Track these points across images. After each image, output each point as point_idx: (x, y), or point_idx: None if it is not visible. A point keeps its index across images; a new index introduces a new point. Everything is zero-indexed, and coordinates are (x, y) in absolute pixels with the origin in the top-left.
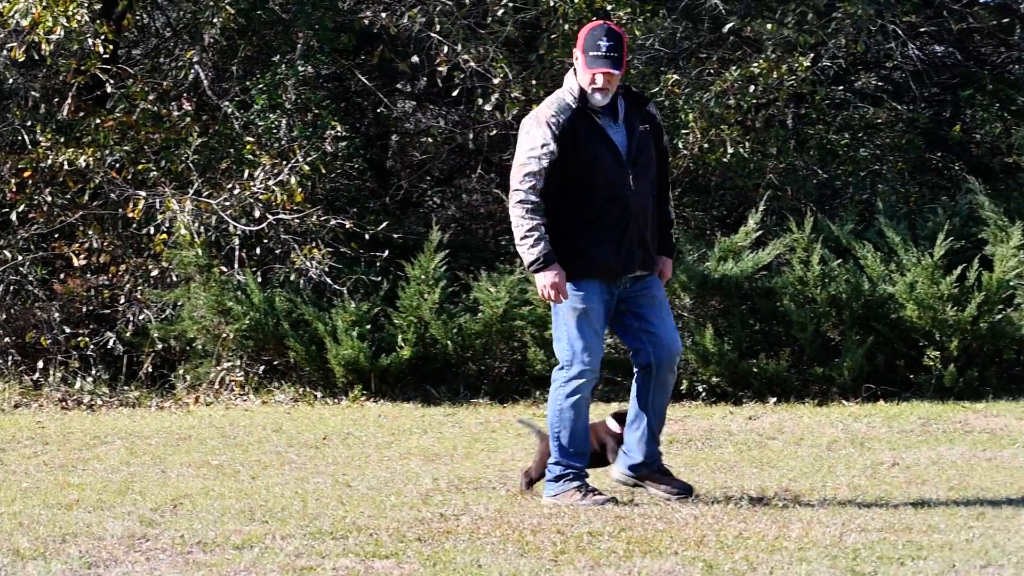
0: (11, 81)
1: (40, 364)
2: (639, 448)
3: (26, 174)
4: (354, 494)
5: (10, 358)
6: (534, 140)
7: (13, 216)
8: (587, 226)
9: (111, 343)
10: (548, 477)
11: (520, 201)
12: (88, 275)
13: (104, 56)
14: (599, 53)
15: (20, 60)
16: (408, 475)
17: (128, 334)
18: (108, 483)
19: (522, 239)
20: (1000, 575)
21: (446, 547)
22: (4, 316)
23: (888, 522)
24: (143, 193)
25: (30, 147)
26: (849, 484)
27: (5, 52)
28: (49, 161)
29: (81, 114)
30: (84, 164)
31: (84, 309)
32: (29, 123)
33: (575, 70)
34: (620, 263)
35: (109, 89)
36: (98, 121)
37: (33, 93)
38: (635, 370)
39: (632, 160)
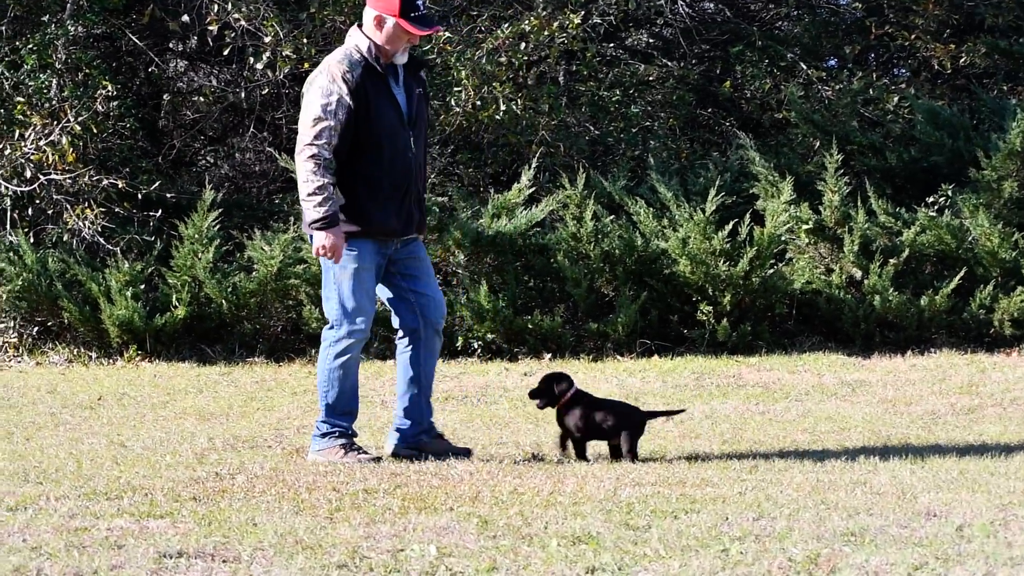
0: None
1: None
2: (413, 417)
3: None
4: (129, 454)
5: None
6: (329, 95)
7: None
8: (371, 186)
9: None
10: (315, 434)
11: (312, 156)
12: None
13: None
14: (418, 13)
15: None
16: (183, 435)
17: None
18: None
19: (309, 195)
20: (772, 527)
21: (221, 506)
22: None
23: (662, 476)
24: None
25: None
26: None
27: None
28: None
29: None
30: None
31: None
32: None
33: (364, 26)
34: (400, 224)
35: None
36: None
37: None
38: (399, 338)
39: (412, 122)
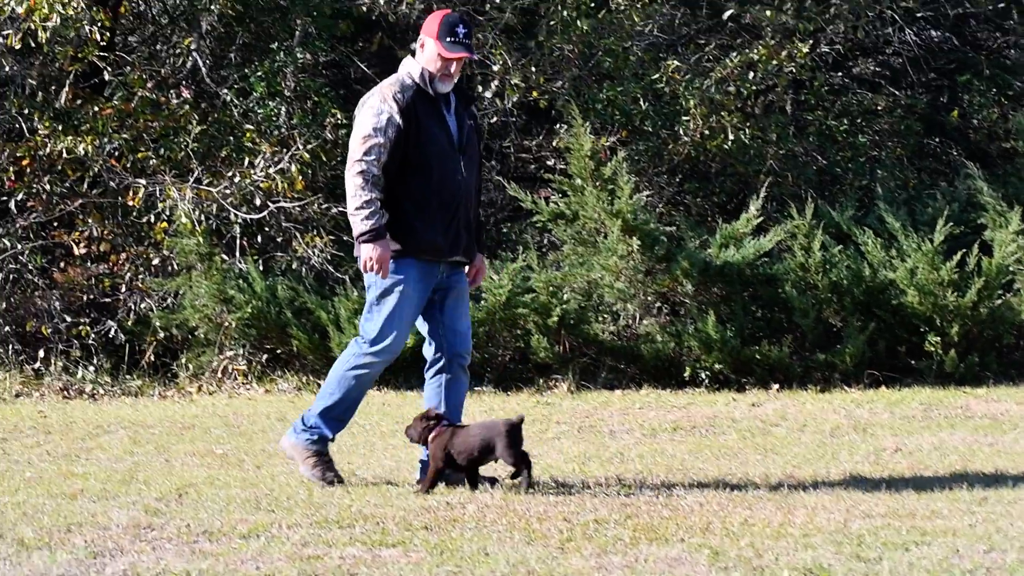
0: (8, 69)
1: (41, 353)
2: None
3: (24, 162)
4: (360, 483)
5: (10, 347)
6: (379, 114)
7: (12, 204)
8: (419, 204)
9: (112, 332)
10: (296, 423)
11: (361, 172)
12: (88, 264)
13: (101, 44)
14: (457, 39)
15: (16, 48)
16: (413, 463)
17: (129, 323)
18: (112, 472)
19: (357, 209)
20: (1003, 560)
21: (453, 535)
22: (4, 305)
23: (892, 508)
24: (143, 181)
25: (28, 135)
26: (852, 470)
27: (1, 39)
28: (48, 149)
29: (79, 102)
30: (83, 152)
31: (85, 298)
32: (27, 111)
33: (416, 55)
34: (446, 244)
35: (107, 77)
36: (96, 109)
37: (30, 81)
38: (426, 368)
39: (462, 148)
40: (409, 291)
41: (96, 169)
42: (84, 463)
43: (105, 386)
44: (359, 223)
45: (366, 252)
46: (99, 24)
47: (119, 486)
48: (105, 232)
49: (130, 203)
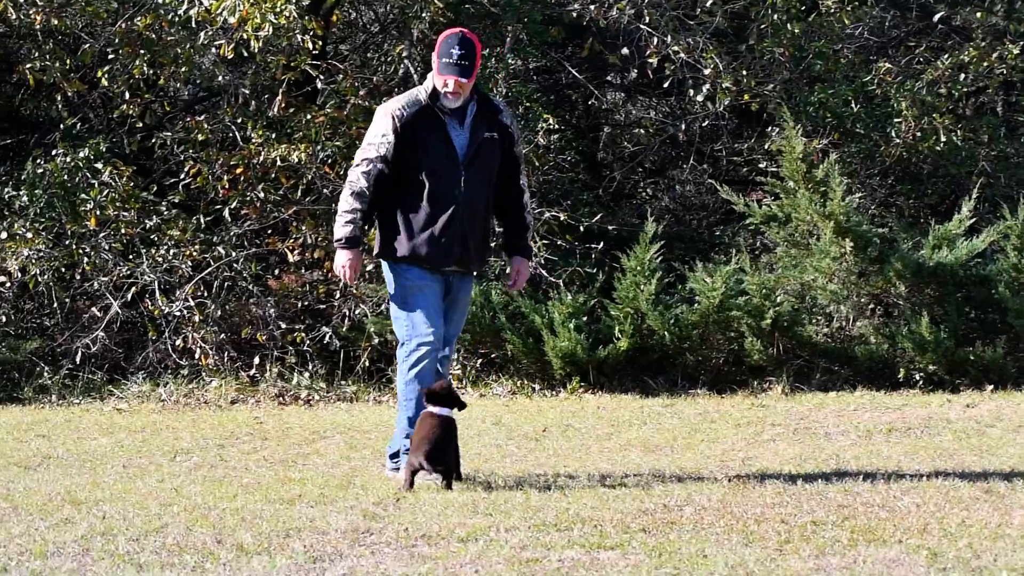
0: (221, 78)
1: (256, 360)
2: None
3: (238, 171)
4: (576, 486)
5: (226, 354)
6: (377, 129)
7: (226, 213)
8: (408, 216)
9: (327, 338)
10: (391, 451)
11: (350, 182)
12: (303, 270)
13: (313, 52)
14: (450, 61)
15: (229, 57)
16: (629, 466)
17: (344, 329)
18: (329, 477)
19: (339, 215)
20: None
21: (671, 538)
22: (219, 313)
23: None
24: None
25: (241, 144)
26: None
27: (214, 50)
28: (261, 157)
29: (291, 110)
30: (296, 160)
31: (299, 304)
32: (240, 120)
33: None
34: (437, 254)
35: (319, 85)
36: (309, 117)
37: (243, 90)
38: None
39: (468, 163)
40: (419, 284)
41: (309, 176)
42: (301, 468)
43: (320, 392)
44: (338, 228)
45: (338, 258)
46: (311, 33)
47: (337, 491)
48: (319, 239)
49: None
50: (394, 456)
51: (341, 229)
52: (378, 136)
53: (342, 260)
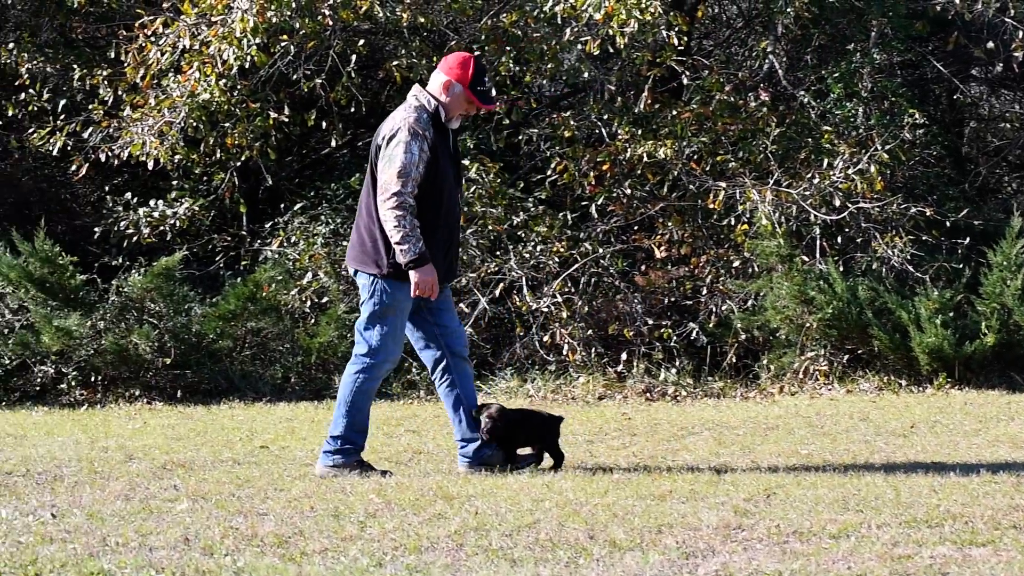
0: (587, 74)
1: (624, 356)
2: (473, 435)
3: (605, 167)
4: (946, 482)
5: (593, 350)
6: (412, 150)
7: (593, 209)
8: (428, 233)
9: (694, 334)
10: (326, 450)
11: (400, 203)
12: (669, 267)
13: (678, 48)
14: (485, 89)
15: (595, 53)
16: (998, 462)
17: (711, 325)
18: (699, 473)
19: (404, 238)
20: None
21: None
22: (587, 309)
23: None
24: (723, 184)
25: (608, 140)
26: None
27: (580, 46)
28: (627, 154)
29: (657, 106)
30: (662, 156)
31: (666, 300)
32: (606, 116)
33: (430, 87)
34: (444, 269)
35: (684, 81)
36: (674, 113)
37: (609, 86)
38: (431, 372)
39: (457, 179)
40: (407, 307)
41: (676, 173)
42: (670, 464)
43: (687, 388)
44: (407, 249)
45: (417, 276)
46: (676, 29)
47: (707, 487)
48: (685, 235)
49: (710, 206)
50: (339, 452)
51: (415, 248)
52: (416, 155)
53: (427, 277)
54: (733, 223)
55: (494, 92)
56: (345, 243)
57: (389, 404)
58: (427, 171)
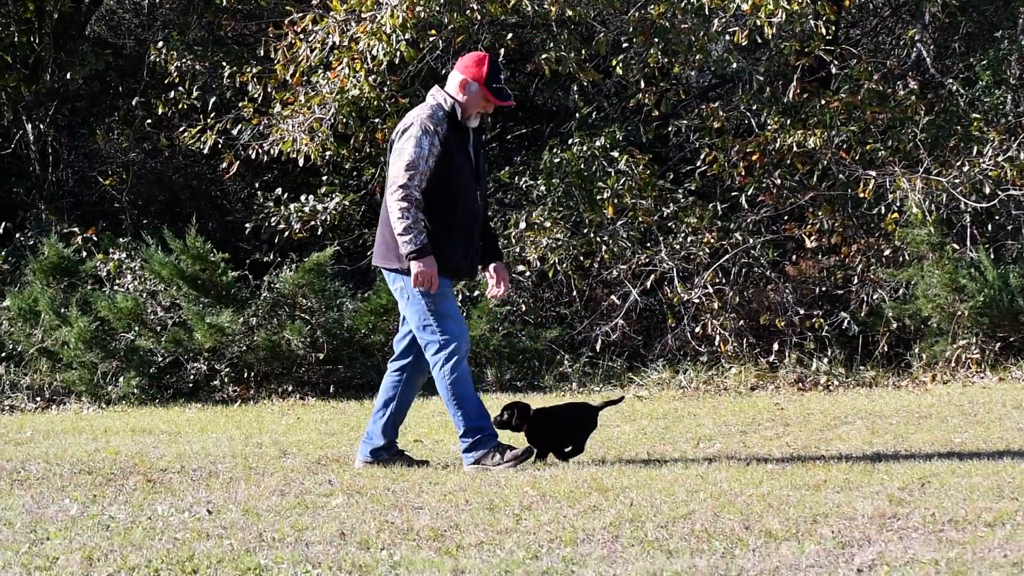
0: (735, 65)
1: (775, 346)
2: (381, 435)
3: (754, 157)
4: None
5: (745, 341)
6: (422, 144)
7: (743, 199)
8: (446, 229)
9: (845, 323)
10: (463, 448)
11: (406, 196)
12: (819, 256)
13: (826, 37)
14: (500, 86)
15: (743, 44)
16: None
17: (862, 314)
18: (853, 463)
19: (406, 229)
20: None
21: None
22: (737, 299)
23: None
24: (872, 173)
25: (757, 130)
26: None
27: (728, 37)
28: (776, 144)
29: (805, 96)
30: (811, 146)
31: (817, 290)
32: (755, 107)
33: (448, 87)
34: (467, 265)
35: (833, 70)
36: (823, 102)
37: (757, 77)
38: (392, 362)
39: (477, 177)
40: (446, 290)
41: (825, 162)
42: (824, 454)
43: (839, 377)
44: (408, 241)
45: (417, 268)
46: (823, 18)
47: (861, 476)
48: (836, 224)
49: (860, 195)
50: (472, 448)
51: (416, 239)
52: (425, 150)
53: (425, 268)
54: (883, 212)
55: (508, 88)
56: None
57: (542, 397)
58: (439, 167)
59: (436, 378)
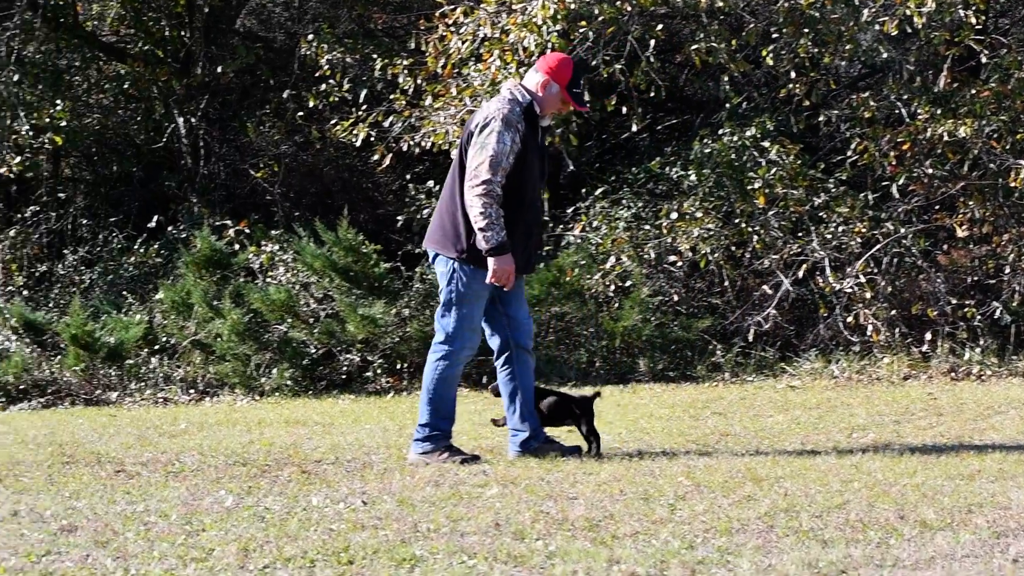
0: (885, 55)
1: (928, 336)
2: (524, 426)
3: (905, 147)
4: None
5: (897, 330)
6: (504, 140)
7: (894, 189)
8: (510, 227)
9: (997, 313)
10: (416, 438)
11: (488, 191)
12: (971, 246)
13: (976, 26)
14: (580, 91)
15: (893, 34)
16: None
17: (1014, 304)
18: (1008, 453)
19: (488, 225)
20: None
21: None
22: (890, 289)
23: None
24: (1023, 162)
25: (908, 120)
26: None
27: (877, 26)
28: (927, 133)
29: (956, 85)
30: (962, 135)
31: (969, 280)
32: (905, 96)
33: (527, 83)
34: (523, 262)
35: (983, 59)
36: (973, 92)
37: (907, 66)
38: (497, 360)
39: (542, 175)
40: (483, 295)
41: (976, 152)
42: (978, 444)
43: (992, 367)
44: (490, 236)
45: (497, 264)
46: (973, 7)
47: (1016, 466)
48: (987, 214)
49: (1011, 184)
50: (425, 440)
51: (497, 236)
52: (507, 146)
53: (506, 265)
54: None
55: (587, 96)
56: (647, 227)
57: (694, 387)
58: (516, 163)
59: (428, 363)
